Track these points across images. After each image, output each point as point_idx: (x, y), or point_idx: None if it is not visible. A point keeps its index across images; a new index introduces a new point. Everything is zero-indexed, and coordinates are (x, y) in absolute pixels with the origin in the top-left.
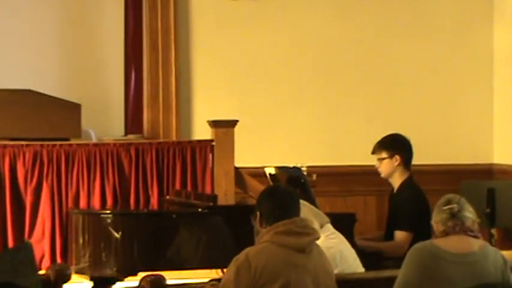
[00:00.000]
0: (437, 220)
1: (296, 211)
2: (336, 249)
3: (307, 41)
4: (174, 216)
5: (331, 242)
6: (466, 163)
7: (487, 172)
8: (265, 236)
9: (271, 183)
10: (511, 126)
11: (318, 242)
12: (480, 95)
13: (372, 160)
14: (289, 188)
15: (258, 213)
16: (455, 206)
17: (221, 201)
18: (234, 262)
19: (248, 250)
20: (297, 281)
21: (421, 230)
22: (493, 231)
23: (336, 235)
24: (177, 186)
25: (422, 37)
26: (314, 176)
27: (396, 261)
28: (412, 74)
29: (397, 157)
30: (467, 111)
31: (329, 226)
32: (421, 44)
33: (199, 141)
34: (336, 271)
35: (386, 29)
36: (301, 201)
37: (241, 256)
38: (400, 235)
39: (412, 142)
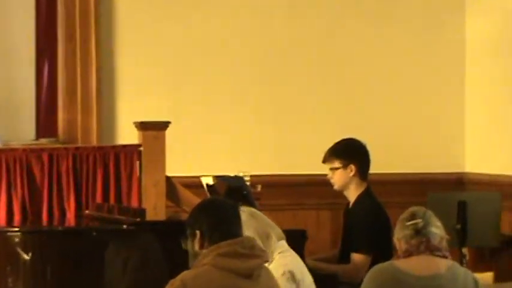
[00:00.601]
0: (399, 237)
1: (240, 228)
2: (293, 267)
3: (250, 33)
4: (94, 233)
5: (286, 260)
6: (434, 172)
7: (457, 182)
8: (205, 258)
9: (208, 195)
10: (484, 131)
11: (274, 260)
12: (450, 95)
13: (326, 169)
14: (228, 201)
15: (197, 232)
16: (419, 221)
17: (150, 216)
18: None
19: (184, 274)
20: None
21: (381, 251)
22: (465, 250)
23: (291, 253)
24: (98, 198)
25: (386, 27)
26: (259, 187)
27: (353, 286)
28: (373, 71)
29: (352, 166)
30: (436, 113)
31: (284, 243)
32: (384, 35)
33: (124, 146)
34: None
35: (342, 17)
36: (254, 211)
37: (176, 281)
38: (357, 258)
39: (373, 148)
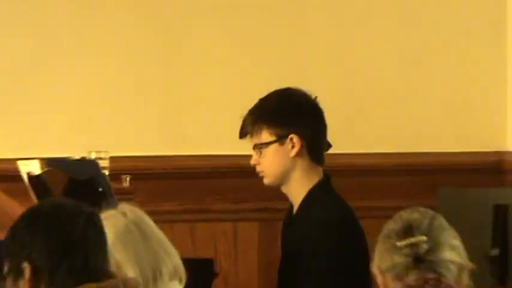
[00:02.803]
0: (383, 267)
1: (105, 255)
2: None
3: None
4: None
5: None
6: (450, 151)
7: (493, 171)
8: None
9: (31, 192)
10: None
11: None
12: (487, 54)
13: (247, 147)
14: (81, 205)
15: (25, 266)
16: (423, 239)
17: None
18: None
19: None
20: None
21: (353, 285)
22: None
23: None
24: None
25: None
26: (127, 179)
27: None
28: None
29: (295, 138)
30: (467, 77)
31: (176, 285)
32: None
33: None
34: None
35: None
36: (143, 217)
37: None
38: None
39: (340, 114)
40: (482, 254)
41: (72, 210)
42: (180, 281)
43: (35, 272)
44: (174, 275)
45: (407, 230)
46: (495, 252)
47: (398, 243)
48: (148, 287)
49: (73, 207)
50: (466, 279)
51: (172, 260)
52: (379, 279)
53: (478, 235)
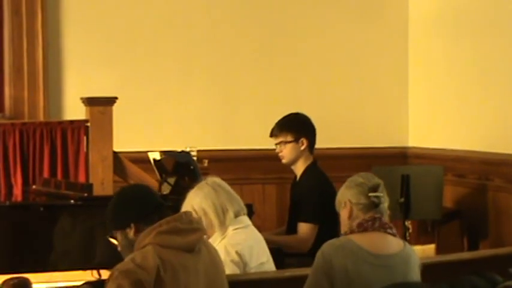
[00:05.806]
0: (354, 201)
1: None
2: (244, 246)
3: (197, 10)
4: (41, 209)
5: (238, 238)
6: (378, 146)
7: (401, 157)
8: (146, 237)
9: (155, 169)
10: (427, 106)
11: (226, 237)
12: (394, 71)
13: (271, 143)
14: (143, 185)
15: (132, 225)
16: (381, 195)
17: (97, 191)
18: (124, 274)
19: (133, 258)
20: (187, 285)
21: (327, 222)
22: (408, 223)
23: (248, 230)
24: (45, 174)
25: (329, 4)
26: (205, 162)
27: (300, 258)
28: (317, 48)
29: (304, 140)
30: (380, 89)
31: (243, 218)
32: (327, 13)
33: (71, 121)
34: (241, 270)
35: None
36: (219, 184)
37: (129, 266)
38: (304, 228)
39: (318, 123)
40: (395, 201)
41: (143, 187)
42: (245, 214)
43: (136, 226)
44: (239, 212)
45: (376, 187)
46: (402, 200)
47: (370, 194)
48: (220, 217)
49: (141, 186)
50: (387, 212)
51: (235, 203)
52: (347, 206)
53: (393, 191)
